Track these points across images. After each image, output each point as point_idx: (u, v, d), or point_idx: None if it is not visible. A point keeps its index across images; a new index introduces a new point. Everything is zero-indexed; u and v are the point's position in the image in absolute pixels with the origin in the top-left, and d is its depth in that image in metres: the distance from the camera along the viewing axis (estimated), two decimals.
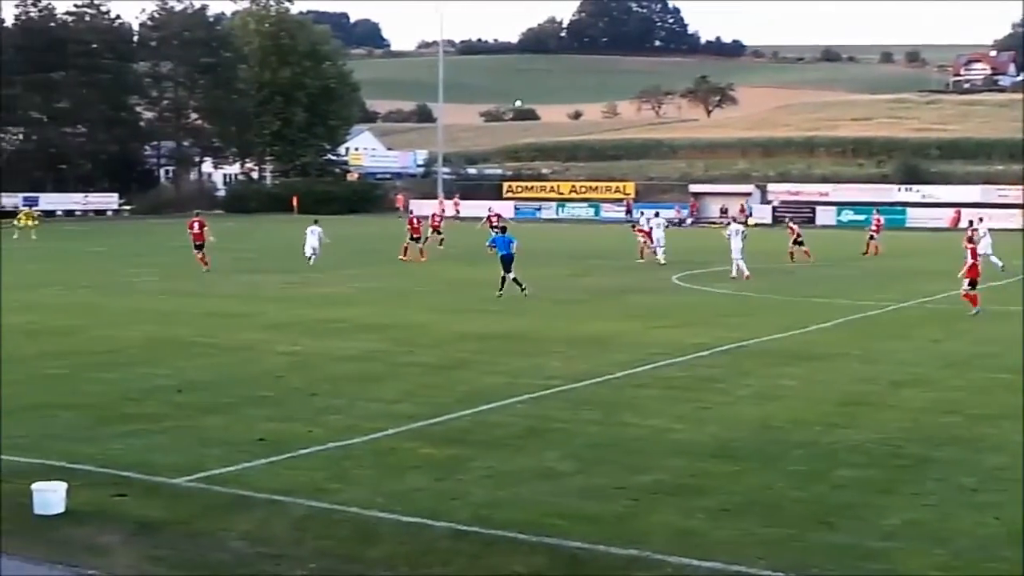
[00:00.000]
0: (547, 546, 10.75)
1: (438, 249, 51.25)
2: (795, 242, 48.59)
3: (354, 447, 14.60)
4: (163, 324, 26.75)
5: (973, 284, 29.64)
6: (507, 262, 33.60)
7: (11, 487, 12.42)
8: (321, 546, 10.72)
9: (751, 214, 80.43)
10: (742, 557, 10.43)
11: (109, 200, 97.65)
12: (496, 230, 38.73)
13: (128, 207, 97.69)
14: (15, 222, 64.68)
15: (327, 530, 11.23)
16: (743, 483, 13.03)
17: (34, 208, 73.60)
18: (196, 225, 43.41)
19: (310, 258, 44.40)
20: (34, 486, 11.79)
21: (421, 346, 23.46)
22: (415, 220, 49.80)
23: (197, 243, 42.94)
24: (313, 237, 45.43)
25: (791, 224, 53.15)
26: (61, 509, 11.58)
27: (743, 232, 40.84)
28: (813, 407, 17.43)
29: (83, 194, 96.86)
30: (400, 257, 46.89)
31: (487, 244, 36.37)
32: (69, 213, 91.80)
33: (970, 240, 30.93)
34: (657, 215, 51.10)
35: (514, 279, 33.26)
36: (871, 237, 53.07)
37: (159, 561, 10.27)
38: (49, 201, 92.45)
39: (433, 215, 56.76)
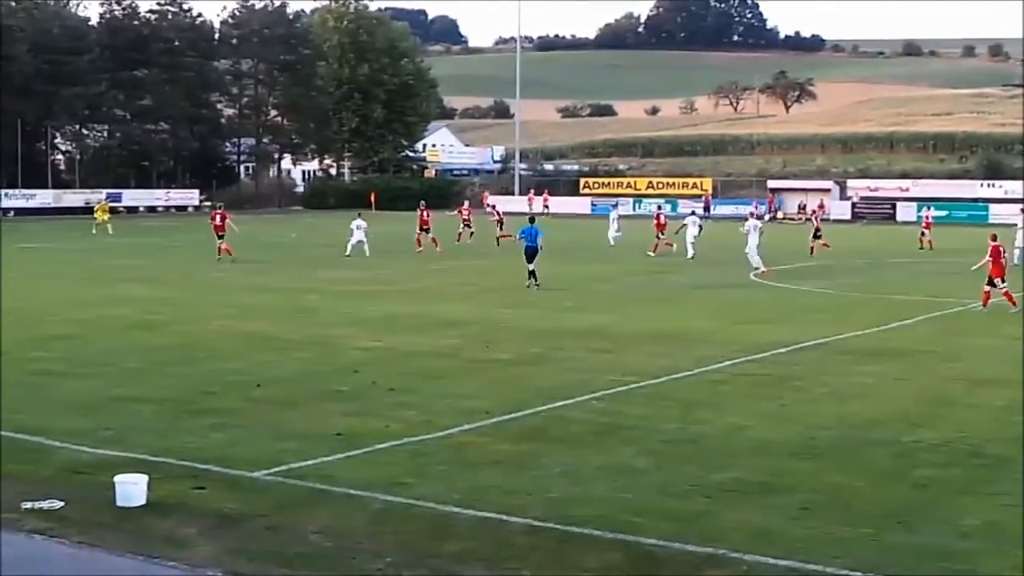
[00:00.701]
0: (623, 543, 10.72)
1: (468, 243, 53.30)
2: (814, 236, 49.23)
3: (430, 442, 14.65)
4: (242, 319, 27.02)
5: (991, 281, 29.41)
6: (531, 254, 34.41)
7: (94, 479, 12.61)
8: (397, 540, 10.76)
9: (779, 207, 79.56)
10: (819, 556, 10.33)
11: (190, 196, 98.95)
12: (466, 223, 40.01)
13: (209, 203, 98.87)
14: (94, 217, 65.45)
15: (403, 525, 11.27)
16: (821, 482, 12.91)
17: (110, 201, 73.81)
18: (218, 217, 45.35)
19: (351, 252, 45.43)
20: (116, 478, 11.94)
21: (498, 342, 23.48)
22: (465, 211, 51.02)
23: (219, 234, 44.59)
24: (360, 232, 46.15)
25: (812, 217, 53.47)
26: (143, 501, 11.72)
27: (760, 228, 40.80)
28: (893, 405, 17.23)
29: (165, 190, 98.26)
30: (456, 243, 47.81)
31: (517, 235, 36.87)
32: (151, 209, 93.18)
33: (992, 236, 30.62)
34: (693, 213, 51.48)
35: (532, 271, 33.98)
36: (922, 233, 53.60)
37: (238, 554, 10.36)
38: (132, 197, 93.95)
39: (460, 209, 57.45)
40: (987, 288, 29.36)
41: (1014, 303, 28.98)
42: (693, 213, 51.65)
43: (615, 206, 58.18)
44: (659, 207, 58.42)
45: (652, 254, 47.62)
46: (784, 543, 10.69)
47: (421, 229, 49.86)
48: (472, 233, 55.00)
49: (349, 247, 46.02)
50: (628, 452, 14.22)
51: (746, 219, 43.41)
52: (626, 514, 11.55)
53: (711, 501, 12.14)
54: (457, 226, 56.25)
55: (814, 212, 58.39)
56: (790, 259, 44.79)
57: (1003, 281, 29.48)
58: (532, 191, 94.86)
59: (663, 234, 49.29)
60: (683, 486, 12.69)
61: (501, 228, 54.49)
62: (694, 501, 12.15)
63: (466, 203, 60.99)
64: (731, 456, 14.01)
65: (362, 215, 48.31)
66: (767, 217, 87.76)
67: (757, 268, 39.45)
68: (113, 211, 69.05)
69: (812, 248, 48.54)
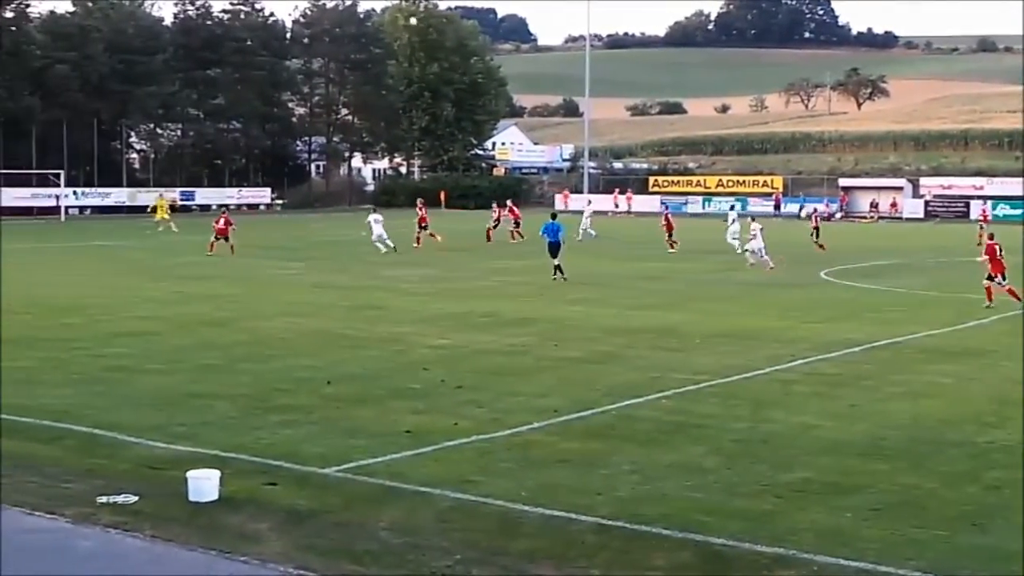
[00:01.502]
0: (692, 542, 10.67)
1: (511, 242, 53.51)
2: (814, 234, 49.44)
3: (499, 440, 14.66)
4: (313, 316, 27.20)
5: (991, 277, 29.28)
6: (554, 249, 36.17)
7: (167, 474, 12.76)
8: (466, 538, 10.78)
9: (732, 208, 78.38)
10: (891, 558, 10.22)
11: (262, 194, 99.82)
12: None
13: (280, 201, 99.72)
14: (153, 215, 65.61)
15: (472, 522, 11.30)
16: (893, 482, 12.77)
17: (168, 198, 74.05)
18: (222, 221, 47.44)
19: (384, 246, 46.14)
20: (189, 474, 12.07)
21: (567, 340, 23.46)
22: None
23: (221, 236, 46.39)
24: (378, 226, 46.81)
25: (814, 216, 53.41)
26: (214, 496, 11.83)
27: (762, 228, 41.31)
28: (966, 406, 17.02)
29: (237, 189, 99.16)
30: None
31: (540, 232, 38.06)
32: (223, 207, 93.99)
33: (990, 236, 30.32)
34: (732, 208, 52.04)
35: (557, 265, 35.60)
36: (981, 227, 53.24)
37: (309, 549, 10.43)
38: (204, 196, 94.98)
39: (510, 208, 57.42)
40: (987, 283, 29.37)
41: (1018, 298, 28.73)
42: (732, 208, 52.35)
43: (732, 208, 57.60)
44: (666, 206, 58.33)
45: (673, 251, 48.18)
46: (855, 544, 10.59)
47: (420, 227, 50.61)
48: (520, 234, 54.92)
49: (381, 244, 46.65)
50: (698, 451, 14.16)
51: (752, 219, 43.84)
52: (695, 513, 11.50)
53: (781, 501, 12.05)
54: (508, 225, 56.25)
55: (815, 212, 57.93)
56: (861, 258, 44.35)
57: (1004, 278, 29.30)
58: (617, 190, 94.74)
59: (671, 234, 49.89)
60: (753, 486, 12.61)
61: (517, 226, 55.08)
62: (764, 501, 12.07)
63: (507, 203, 60.31)
64: (801, 456, 13.91)
65: (377, 208, 49.29)
66: (838, 216, 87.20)
67: (766, 264, 40.03)
68: (174, 208, 69.35)
69: (821, 246, 48.82)
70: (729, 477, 12.99)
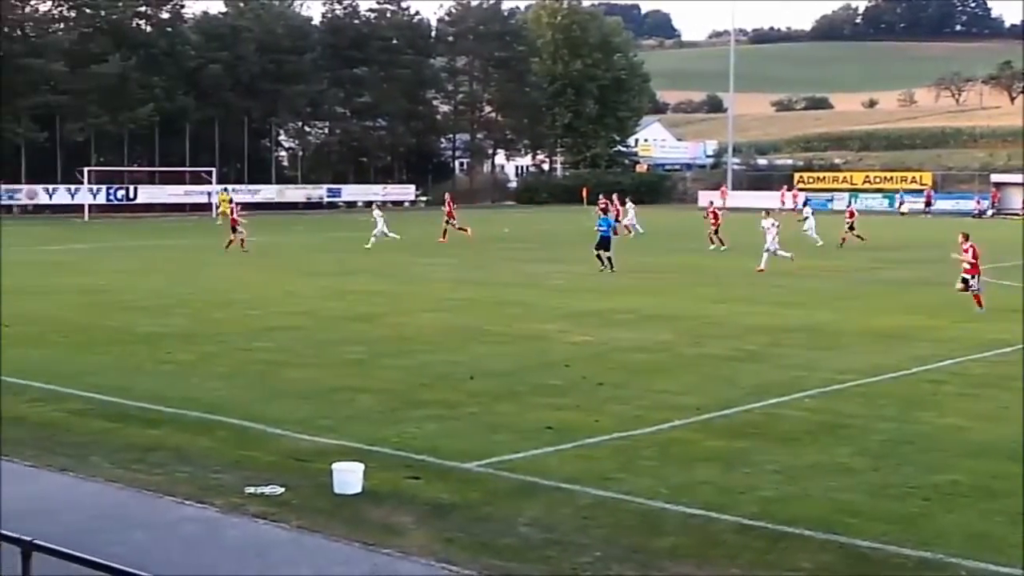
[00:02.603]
0: (836, 543, 10.51)
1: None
2: (849, 228, 50.23)
3: (640, 437, 14.62)
4: (456, 312, 27.41)
5: (965, 282, 28.03)
6: (604, 242, 38.01)
7: (313, 467, 12.98)
8: (606, 535, 10.77)
9: (807, 203, 76.63)
10: None
11: (406, 191, 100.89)
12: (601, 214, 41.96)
13: (424, 198, 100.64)
14: (220, 210, 66.17)
15: (613, 519, 11.28)
16: None
17: (230, 194, 74.49)
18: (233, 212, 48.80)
19: (386, 236, 47.37)
20: (334, 466, 12.26)
21: (709, 338, 23.29)
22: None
23: (234, 227, 47.21)
24: (382, 222, 48.23)
25: (850, 208, 53.55)
26: (359, 489, 11.99)
27: (777, 225, 41.19)
28: None
29: (382, 185, 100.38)
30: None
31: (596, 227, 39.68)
32: (369, 204, 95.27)
33: (966, 237, 28.95)
34: (807, 203, 52.83)
35: (608, 257, 37.67)
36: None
37: (451, 543, 10.51)
38: (350, 192, 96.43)
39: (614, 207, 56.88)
40: (965, 285, 28.19)
41: (980, 305, 27.78)
42: (807, 204, 53.15)
43: (806, 203, 58.62)
44: (711, 202, 57.67)
45: (715, 247, 48.27)
46: (1005, 549, 10.33)
47: (447, 222, 52.31)
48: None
49: (387, 236, 47.89)
50: (843, 451, 13.95)
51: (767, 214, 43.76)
52: (840, 514, 11.33)
53: (928, 503, 11.82)
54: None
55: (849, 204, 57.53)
56: (1015, 256, 43.17)
57: (979, 280, 28.19)
58: (785, 187, 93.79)
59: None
60: (899, 487, 12.38)
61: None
62: (910, 503, 11.85)
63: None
64: (949, 458, 13.61)
65: (375, 204, 50.29)
66: (989, 213, 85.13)
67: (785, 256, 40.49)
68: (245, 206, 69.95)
69: (843, 239, 49.93)
70: (875, 478, 12.77)
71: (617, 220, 49.48)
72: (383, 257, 44.28)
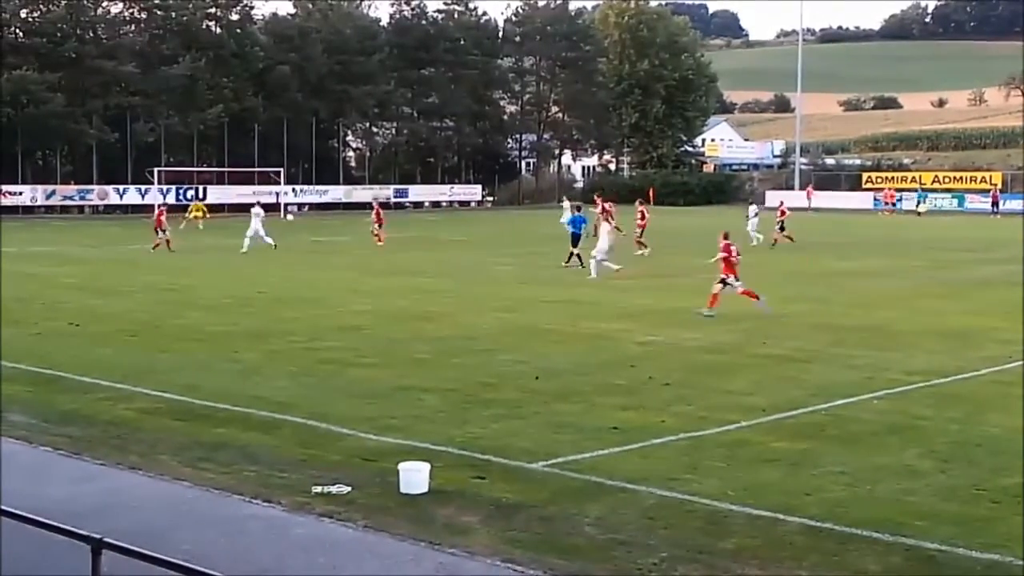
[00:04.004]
0: (903, 546, 10.41)
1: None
2: (780, 227, 49.89)
3: (706, 438, 14.55)
4: (521, 311, 27.42)
5: (724, 281, 27.12)
6: (575, 239, 38.98)
7: (379, 466, 13.04)
8: (672, 536, 10.73)
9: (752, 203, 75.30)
10: None
11: (473, 191, 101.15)
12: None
13: (491, 198, 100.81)
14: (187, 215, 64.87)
15: (678, 520, 11.24)
16: None
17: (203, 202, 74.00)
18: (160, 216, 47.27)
19: (262, 241, 46.15)
20: (401, 466, 12.31)
21: (775, 337, 23.14)
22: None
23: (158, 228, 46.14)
24: (256, 221, 47.24)
25: (781, 207, 52.42)
26: (424, 489, 12.03)
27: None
28: None
29: (449, 186, 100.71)
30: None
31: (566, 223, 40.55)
32: (436, 204, 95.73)
33: (726, 236, 28.24)
34: (752, 203, 53.80)
35: (577, 255, 38.13)
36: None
37: (516, 543, 10.52)
38: (417, 193, 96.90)
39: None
40: (717, 287, 27.03)
41: (756, 298, 27.00)
42: (752, 204, 55.25)
43: (751, 203, 58.49)
44: (781, 201, 57.32)
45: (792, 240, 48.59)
46: None
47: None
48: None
49: (263, 240, 46.59)
50: (911, 453, 13.81)
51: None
52: (907, 517, 11.22)
53: (997, 506, 11.67)
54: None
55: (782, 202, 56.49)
56: None
57: (737, 279, 27.27)
58: (811, 185, 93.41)
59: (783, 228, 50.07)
60: (968, 490, 12.24)
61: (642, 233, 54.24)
62: (979, 506, 11.71)
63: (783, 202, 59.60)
64: (1019, 460, 13.41)
65: (260, 203, 51.21)
66: None
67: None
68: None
69: (776, 239, 49.16)
70: (943, 481, 12.63)
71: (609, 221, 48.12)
72: (447, 256, 44.37)
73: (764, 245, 48.20)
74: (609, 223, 38.52)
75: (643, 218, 45.69)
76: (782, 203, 54.20)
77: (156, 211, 48.65)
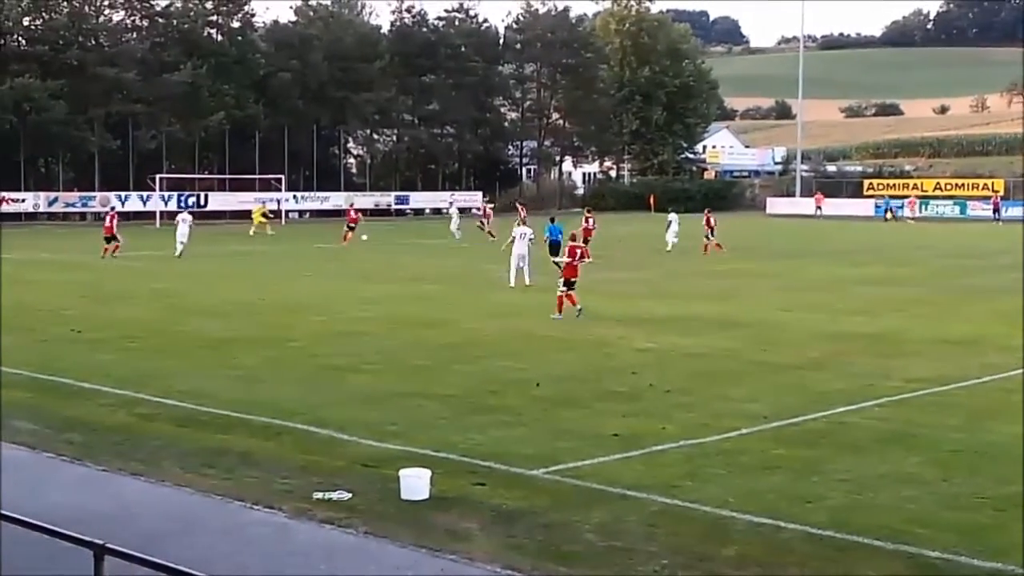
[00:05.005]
0: (905, 554, 10.41)
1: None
2: (710, 233, 50.08)
3: (707, 445, 14.56)
4: (521, 317, 27.41)
5: (569, 285, 27.39)
6: (554, 248, 37.47)
7: (380, 472, 13.05)
8: (673, 542, 10.75)
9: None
10: None
11: (474, 198, 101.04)
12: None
13: (491, 205, 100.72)
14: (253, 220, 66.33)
15: (679, 527, 11.25)
16: None
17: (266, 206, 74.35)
18: (108, 220, 47.76)
19: (178, 250, 46.31)
20: (401, 472, 12.33)
21: (776, 345, 23.15)
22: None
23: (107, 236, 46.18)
24: (184, 226, 47.64)
25: (708, 215, 52.08)
26: (425, 495, 12.05)
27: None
28: None
29: (450, 192, 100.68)
30: None
31: (544, 233, 39.94)
32: (436, 211, 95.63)
33: (573, 237, 28.53)
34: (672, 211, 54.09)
35: (557, 262, 35.63)
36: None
37: (516, 549, 10.54)
38: (417, 200, 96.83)
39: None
40: (563, 291, 27.42)
41: (574, 303, 27.20)
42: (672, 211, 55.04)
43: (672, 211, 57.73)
44: (707, 209, 56.76)
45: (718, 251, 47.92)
46: None
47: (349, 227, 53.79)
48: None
49: (182, 244, 47.04)
50: (913, 461, 13.81)
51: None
52: (910, 524, 11.22)
53: (1000, 514, 11.67)
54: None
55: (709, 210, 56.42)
56: None
57: (568, 283, 27.50)
58: (819, 192, 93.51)
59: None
60: (970, 498, 12.24)
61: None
62: (981, 514, 11.71)
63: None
64: (1021, 468, 13.41)
65: (188, 210, 53.14)
66: None
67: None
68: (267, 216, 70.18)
69: (706, 247, 49.61)
70: (945, 488, 12.64)
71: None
72: (448, 263, 44.40)
73: (694, 252, 48.79)
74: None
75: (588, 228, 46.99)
76: (707, 211, 53.98)
77: (108, 217, 49.11)
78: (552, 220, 42.66)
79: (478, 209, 61.28)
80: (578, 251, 28.43)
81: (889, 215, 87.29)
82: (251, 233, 63.25)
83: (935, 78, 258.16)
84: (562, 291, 27.56)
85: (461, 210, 71.21)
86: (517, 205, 59.79)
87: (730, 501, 11.99)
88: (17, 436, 14.89)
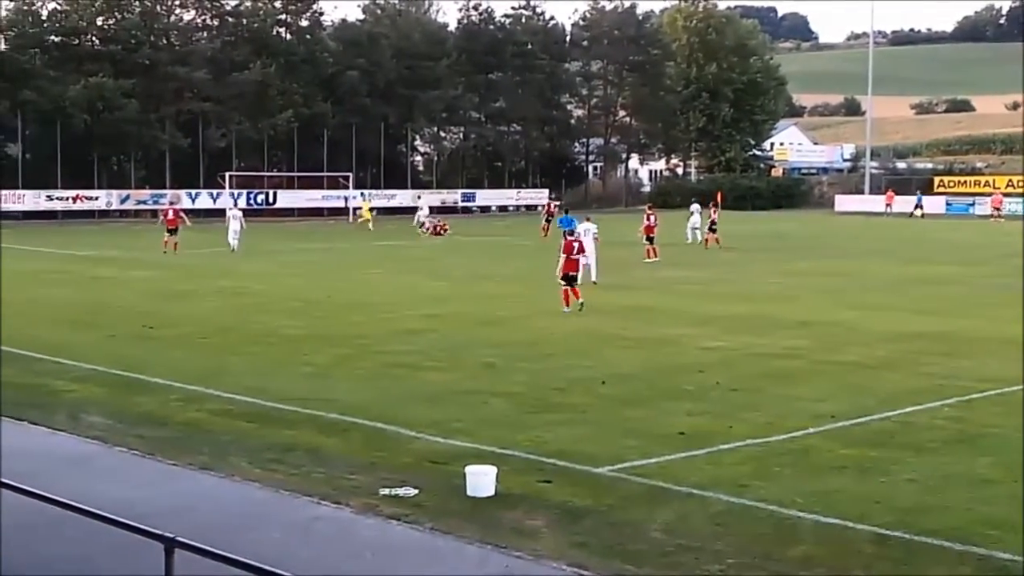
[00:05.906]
0: (975, 556, 10.32)
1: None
2: (710, 228, 50.36)
3: (774, 445, 14.50)
4: (588, 316, 27.35)
5: (568, 280, 27.78)
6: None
7: (446, 469, 13.12)
8: (739, 542, 10.72)
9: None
10: None
11: (540, 196, 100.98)
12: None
13: (558, 203, 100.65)
14: (360, 216, 68.86)
15: (745, 527, 11.22)
16: None
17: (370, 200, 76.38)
18: (171, 212, 50.06)
19: (232, 246, 47.48)
20: (467, 469, 12.38)
21: (845, 344, 22.98)
22: None
23: (170, 228, 47.99)
24: (236, 222, 48.57)
25: (713, 208, 52.48)
26: (491, 492, 12.10)
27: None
28: None
29: (516, 190, 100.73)
30: None
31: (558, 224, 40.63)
32: (503, 208, 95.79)
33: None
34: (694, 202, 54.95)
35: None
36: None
37: (582, 547, 10.55)
38: (484, 197, 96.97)
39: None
40: (565, 287, 27.93)
41: (577, 296, 27.90)
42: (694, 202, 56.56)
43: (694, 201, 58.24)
44: (714, 203, 56.59)
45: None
46: None
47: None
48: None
49: (232, 239, 48.16)
50: (983, 462, 13.67)
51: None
52: (980, 526, 11.12)
53: None
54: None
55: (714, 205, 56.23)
56: None
57: (567, 278, 27.96)
58: (890, 190, 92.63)
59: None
60: None
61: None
62: None
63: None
64: None
65: (237, 205, 55.74)
66: None
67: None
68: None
69: (706, 240, 50.14)
70: (1016, 490, 12.48)
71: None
72: (514, 260, 44.43)
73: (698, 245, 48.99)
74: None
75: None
76: (714, 204, 53.81)
77: (170, 211, 50.52)
78: (566, 211, 44.09)
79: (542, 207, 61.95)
80: (575, 245, 28.73)
81: (918, 211, 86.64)
82: (369, 226, 65.64)
83: (1007, 74, 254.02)
84: (562, 286, 28.15)
85: (528, 207, 71.90)
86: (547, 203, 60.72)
87: (797, 501, 11.93)
88: (89, 431, 15.14)
